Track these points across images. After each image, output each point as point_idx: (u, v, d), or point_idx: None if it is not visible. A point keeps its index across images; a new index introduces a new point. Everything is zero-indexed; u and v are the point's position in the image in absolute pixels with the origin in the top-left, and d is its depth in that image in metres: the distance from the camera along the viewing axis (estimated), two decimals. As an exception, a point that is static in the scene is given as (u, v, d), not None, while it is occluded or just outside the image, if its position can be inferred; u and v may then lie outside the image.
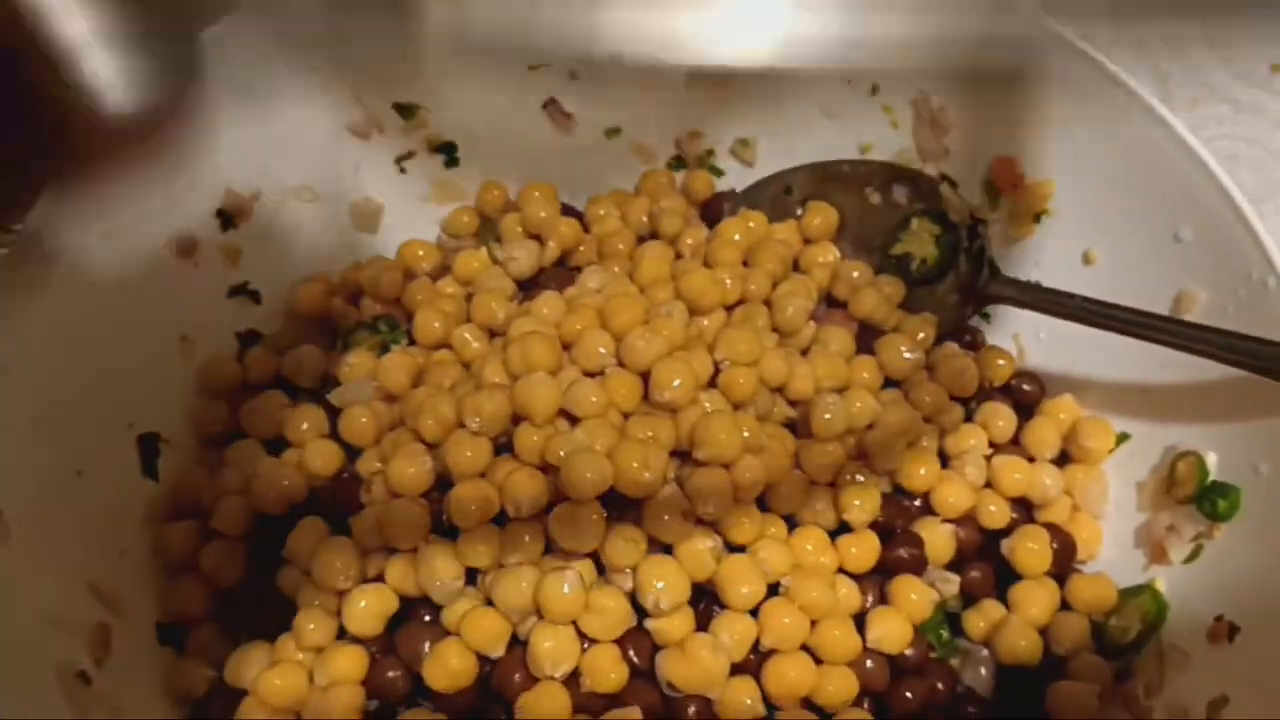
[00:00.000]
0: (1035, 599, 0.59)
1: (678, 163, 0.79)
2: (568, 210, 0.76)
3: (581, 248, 0.73)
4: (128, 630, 0.57)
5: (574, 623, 0.53)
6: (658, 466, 0.53)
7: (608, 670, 0.53)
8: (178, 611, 0.59)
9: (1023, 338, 0.71)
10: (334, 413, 0.65)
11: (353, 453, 0.63)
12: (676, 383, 0.56)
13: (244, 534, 0.61)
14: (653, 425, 0.56)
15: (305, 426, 0.64)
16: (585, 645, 0.54)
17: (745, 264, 0.69)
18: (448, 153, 0.76)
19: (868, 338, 0.67)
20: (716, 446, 0.54)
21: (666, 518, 0.54)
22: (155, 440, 0.63)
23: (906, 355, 0.64)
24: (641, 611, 0.54)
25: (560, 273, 0.72)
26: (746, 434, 0.56)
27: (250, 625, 0.59)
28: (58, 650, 0.51)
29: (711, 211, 0.76)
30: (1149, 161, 0.63)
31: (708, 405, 0.58)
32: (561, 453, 0.54)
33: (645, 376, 0.58)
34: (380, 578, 0.58)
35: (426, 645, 0.55)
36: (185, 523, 0.61)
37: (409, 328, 0.69)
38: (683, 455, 0.57)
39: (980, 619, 0.59)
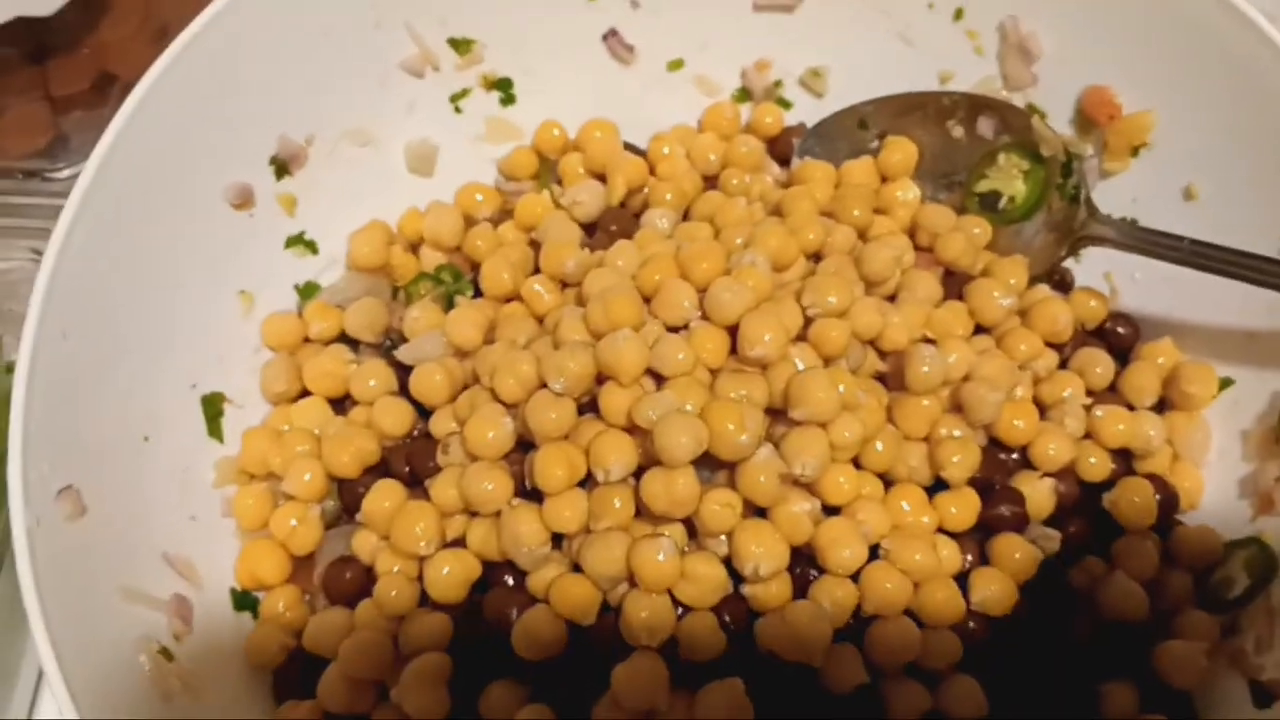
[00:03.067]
0: (1139, 553, 0.57)
1: (744, 95, 0.75)
2: (630, 148, 0.72)
3: (646, 188, 0.70)
4: (203, 598, 0.55)
5: (668, 590, 0.51)
6: (755, 429, 0.51)
7: (705, 638, 0.51)
8: (252, 577, 0.58)
9: (1115, 277, 0.67)
10: (401, 369, 0.62)
11: (424, 412, 0.61)
12: (768, 337, 0.53)
13: (317, 497, 0.59)
14: (744, 383, 0.53)
15: (372, 384, 0.61)
16: (680, 613, 0.52)
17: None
18: (504, 90, 0.72)
19: (953, 283, 0.64)
20: (814, 405, 0.52)
21: (762, 480, 0.51)
22: (219, 401, 0.61)
23: (1002, 302, 0.61)
24: (736, 577, 0.52)
25: (624, 215, 0.68)
26: (842, 390, 0.53)
27: (328, 591, 0.57)
28: (139, 626, 0.50)
29: (780, 147, 0.73)
30: (1261, 89, 0.59)
31: (798, 360, 0.55)
32: (652, 415, 0.51)
33: (731, 331, 0.55)
34: (461, 542, 0.56)
35: (514, 612, 0.53)
36: (256, 486, 0.60)
37: (474, 277, 0.66)
38: (774, 413, 0.55)
39: (1082, 576, 0.57)
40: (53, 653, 0.42)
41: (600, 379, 0.54)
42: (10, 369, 0.73)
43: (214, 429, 0.60)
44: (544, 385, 0.54)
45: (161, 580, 0.53)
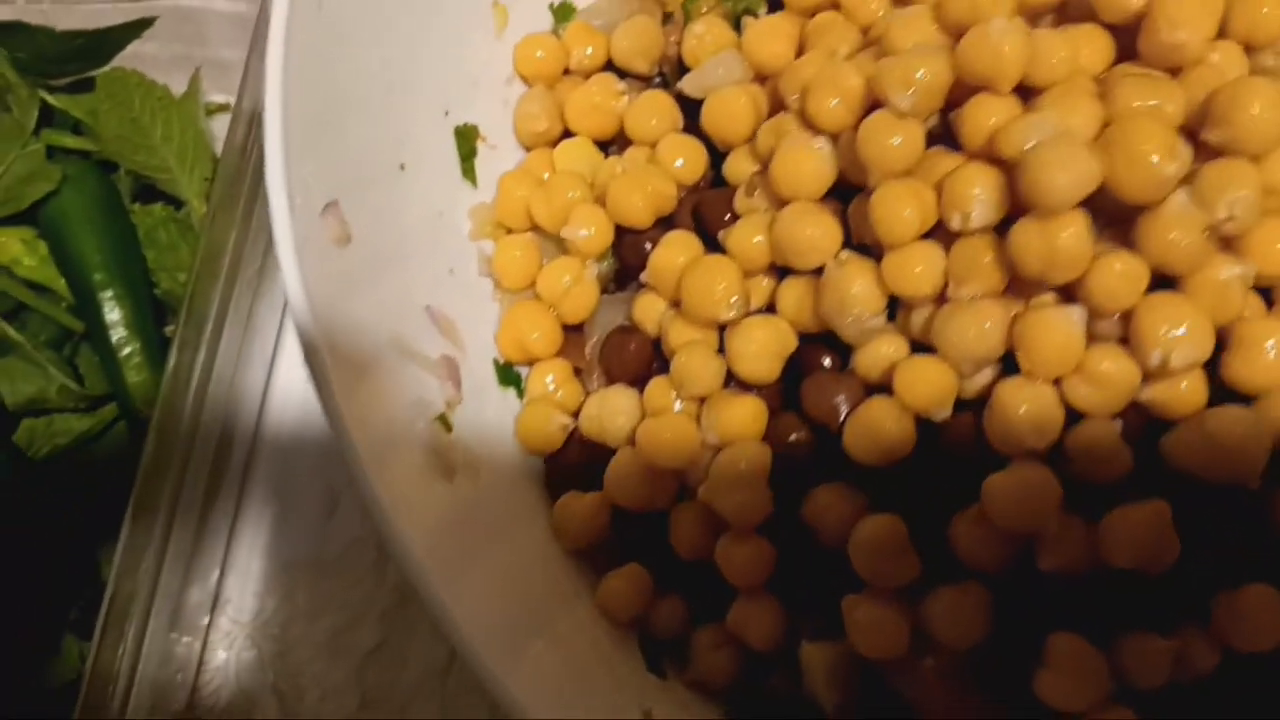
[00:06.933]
0: None
1: None
2: None
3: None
4: (468, 366, 0.47)
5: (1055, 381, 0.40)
6: (1185, 154, 0.38)
7: (1107, 449, 0.39)
8: (519, 347, 0.49)
9: None
10: (684, 105, 0.51)
11: (716, 153, 0.50)
12: (1192, 23, 0.40)
13: (597, 251, 0.49)
14: (1153, 89, 0.40)
15: (654, 121, 0.50)
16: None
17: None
18: None
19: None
20: (1247, 126, 0.38)
21: (1177, 235, 0.38)
22: (473, 136, 0.51)
23: None
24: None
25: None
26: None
27: (608, 367, 0.48)
28: (414, 387, 0.42)
29: None
30: None
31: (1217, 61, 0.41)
32: (1025, 144, 0.38)
33: (1116, 30, 0.42)
34: (769, 307, 0.46)
35: (842, 402, 0.43)
36: (519, 238, 0.50)
37: (766, -9, 0.54)
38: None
39: None
40: (341, 413, 0.34)
41: (953, 97, 0.42)
42: (210, 110, 0.65)
43: (468, 169, 0.51)
44: (877, 105, 0.42)
45: (428, 338, 0.45)
